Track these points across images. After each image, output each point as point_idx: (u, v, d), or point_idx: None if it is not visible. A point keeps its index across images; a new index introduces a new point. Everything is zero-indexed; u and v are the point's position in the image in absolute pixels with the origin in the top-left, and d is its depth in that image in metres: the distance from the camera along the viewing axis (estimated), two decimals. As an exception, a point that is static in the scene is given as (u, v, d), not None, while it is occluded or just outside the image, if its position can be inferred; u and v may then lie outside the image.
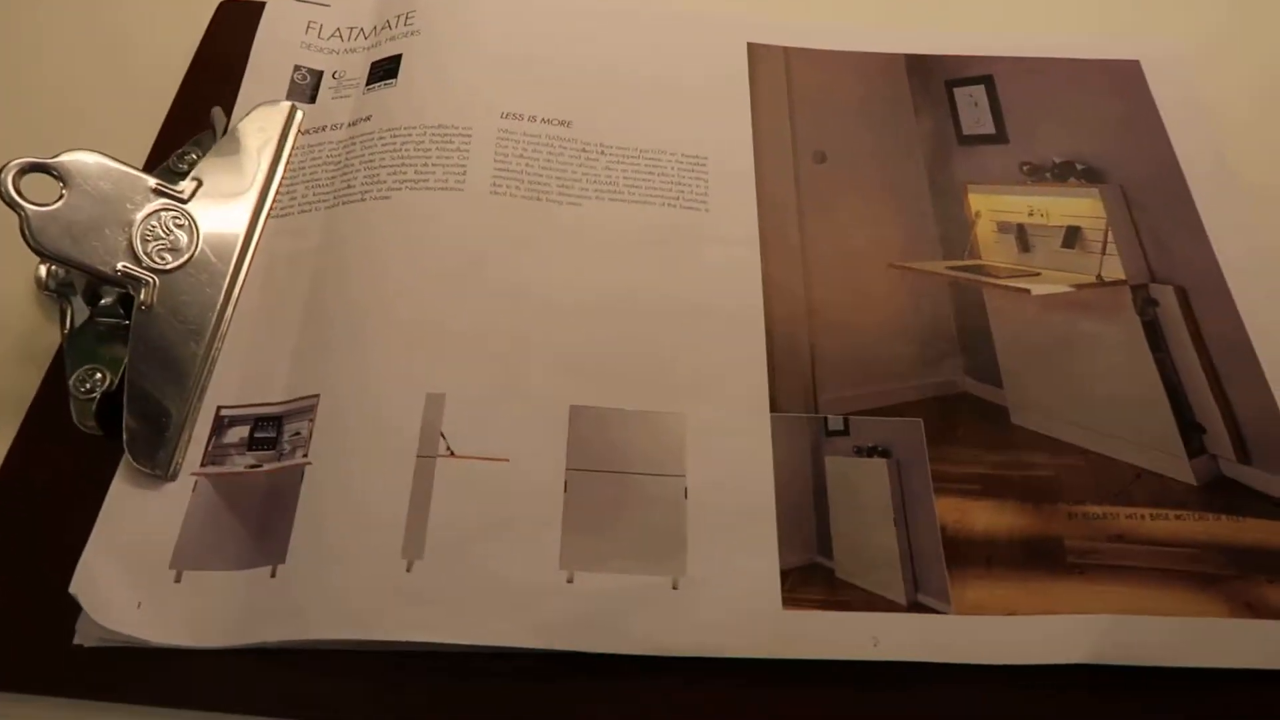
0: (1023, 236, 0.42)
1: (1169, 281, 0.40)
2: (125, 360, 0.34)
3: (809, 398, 0.36)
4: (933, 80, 0.46)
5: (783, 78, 0.46)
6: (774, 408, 0.36)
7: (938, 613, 0.32)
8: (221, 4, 0.48)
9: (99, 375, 0.35)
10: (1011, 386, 0.37)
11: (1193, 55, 0.47)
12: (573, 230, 0.39)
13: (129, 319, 0.35)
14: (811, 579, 0.32)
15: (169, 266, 0.36)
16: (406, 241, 0.38)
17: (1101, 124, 0.45)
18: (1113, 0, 0.52)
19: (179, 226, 0.37)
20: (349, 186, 0.40)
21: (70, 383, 0.35)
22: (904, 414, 0.36)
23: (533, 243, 0.39)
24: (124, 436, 0.33)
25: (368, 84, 0.44)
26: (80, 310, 0.36)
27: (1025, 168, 0.44)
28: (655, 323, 0.37)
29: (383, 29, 0.46)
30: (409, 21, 0.45)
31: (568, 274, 0.38)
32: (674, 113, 0.44)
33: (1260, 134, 0.45)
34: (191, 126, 0.43)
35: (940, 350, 0.38)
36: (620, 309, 0.37)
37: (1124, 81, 0.46)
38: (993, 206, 0.42)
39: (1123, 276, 0.40)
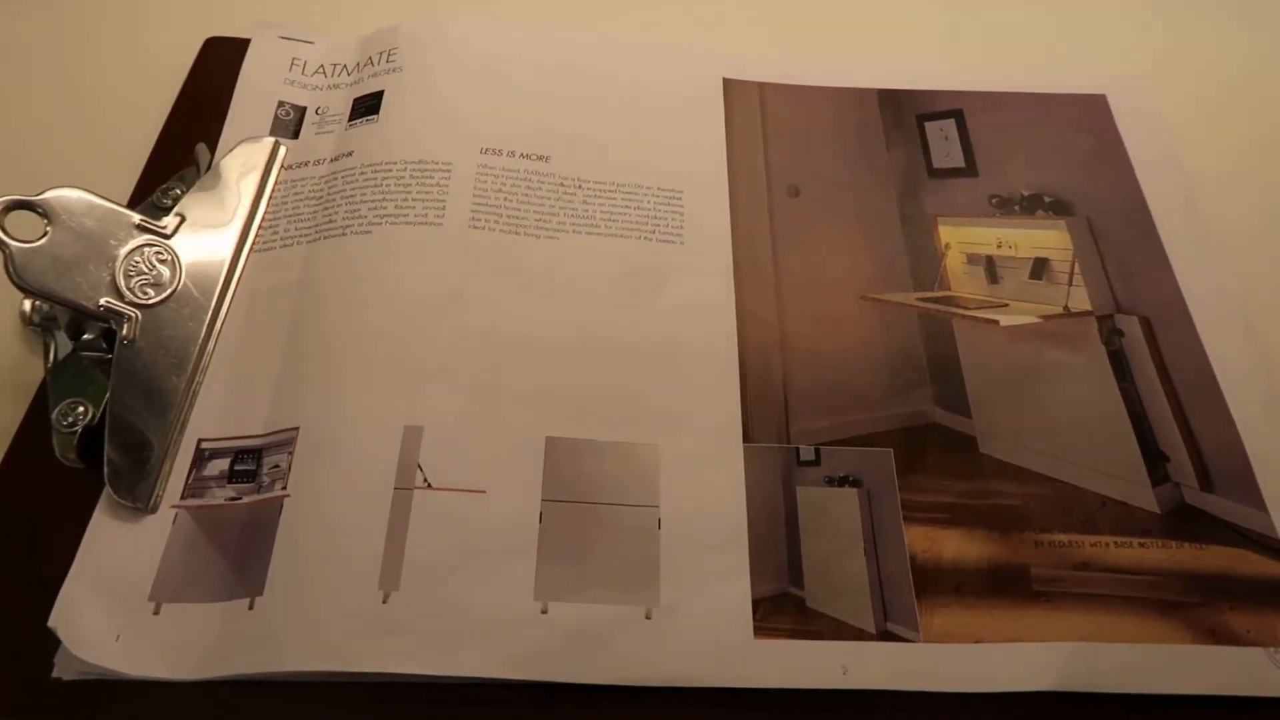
0: (991, 268, 0.43)
1: (1134, 312, 0.41)
2: (107, 394, 0.35)
3: (781, 428, 0.37)
4: (904, 114, 0.47)
5: (757, 113, 0.47)
6: (747, 438, 0.37)
7: (907, 641, 0.33)
8: (207, 40, 0.49)
9: (81, 409, 0.35)
10: (980, 416, 0.38)
11: (1157, 89, 0.49)
12: (550, 263, 0.40)
13: (112, 353, 0.36)
14: (782, 608, 0.33)
15: (151, 301, 0.37)
16: (386, 275, 0.39)
17: (1069, 157, 0.46)
18: (1078, 36, 0.53)
19: (162, 262, 0.38)
20: (330, 221, 0.41)
21: (52, 416, 0.35)
22: (874, 444, 0.37)
23: (510, 276, 0.39)
24: (105, 470, 0.34)
25: (350, 120, 0.45)
26: (64, 344, 0.37)
27: (994, 200, 0.45)
28: (630, 354, 0.38)
29: (365, 66, 0.47)
30: (391, 59, 0.46)
31: (545, 307, 0.39)
32: (651, 147, 0.44)
33: (1223, 167, 0.46)
34: (176, 162, 0.43)
35: (910, 380, 0.39)
36: (596, 341, 0.38)
37: (1090, 115, 0.48)
38: (962, 238, 0.43)
39: (1089, 307, 0.41)
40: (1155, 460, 0.37)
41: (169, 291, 0.37)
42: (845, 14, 0.54)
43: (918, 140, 0.47)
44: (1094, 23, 0.54)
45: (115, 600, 0.32)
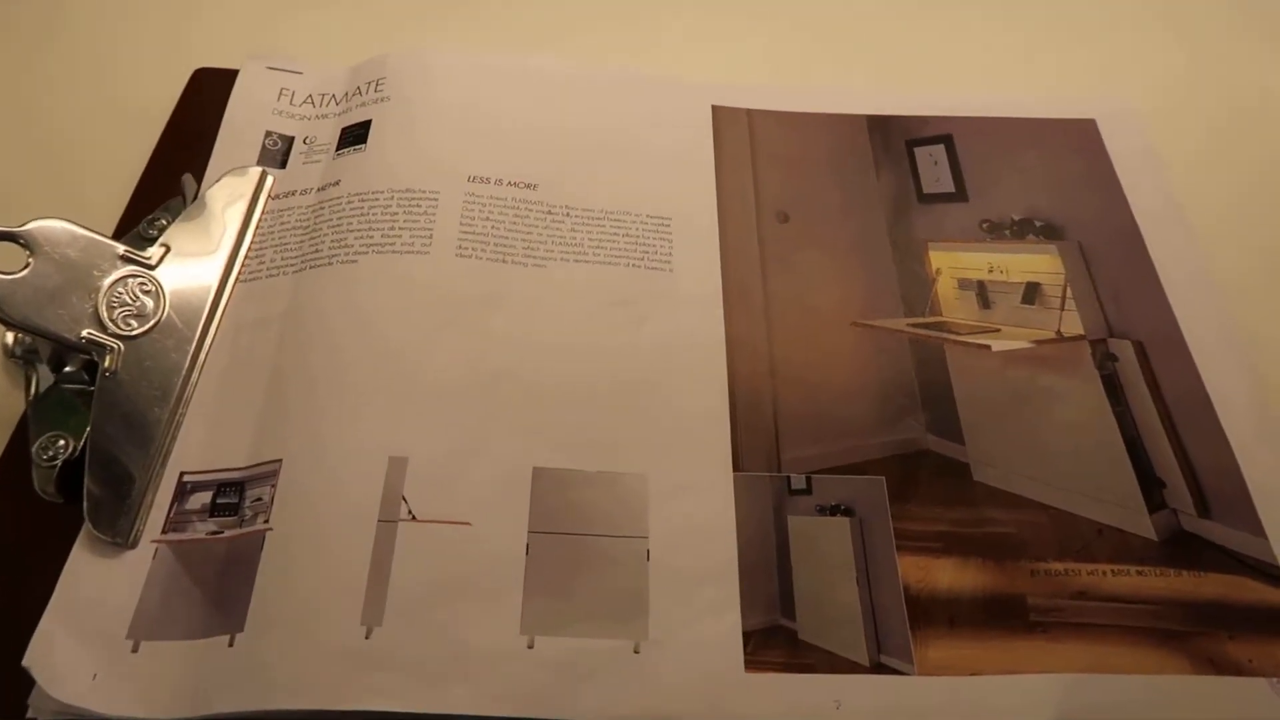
0: (983, 293, 0.42)
1: (1127, 336, 0.41)
2: (88, 427, 0.34)
3: (772, 456, 0.37)
4: (893, 140, 0.47)
5: (746, 139, 0.47)
6: (737, 467, 0.36)
7: (901, 674, 0.32)
8: (196, 71, 0.49)
9: (62, 442, 0.34)
10: (973, 442, 0.37)
11: (1147, 114, 0.49)
12: (538, 292, 0.40)
13: (94, 385, 0.35)
14: (774, 640, 0.32)
15: (135, 333, 0.36)
16: (372, 305, 0.38)
17: (1059, 182, 0.46)
18: (1068, 61, 0.53)
19: (146, 293, 0.37)
20: (316, 251, 0.40)
21: (33, 450, 0.35)
22: (866, 472, 0.36)
23: (497, 304, 0.39)
24: (85, 504, 0.33)
25: (338, 149, 0.45)
26: (45, 377, 0.37)
27: (985, 225, 0.44)
28: (619, 383, 0.38)
29: (353, 95, 0.47)
30: (379, 88, 0.46)
31: (532, 335, 0.38)
32: (639, 174, 0.44)
33: (1213, 190, 0.46)
34: (164, 192, 0.43)
35: (902, 407, 0.38)
36: (584, 370, 0.38)
37: (1080, 140, 0.48)
38: (953, 264, 0.43)
39: (1082, 331, 0.41)
40: (1151, 486, 0.36)
41: (153, 322, 0.37)
42: (834, 40, 0.54)
43: (907, 165, 0.47)
44: (1083, 49, 0.54)
45: (92, 638, 0.31)
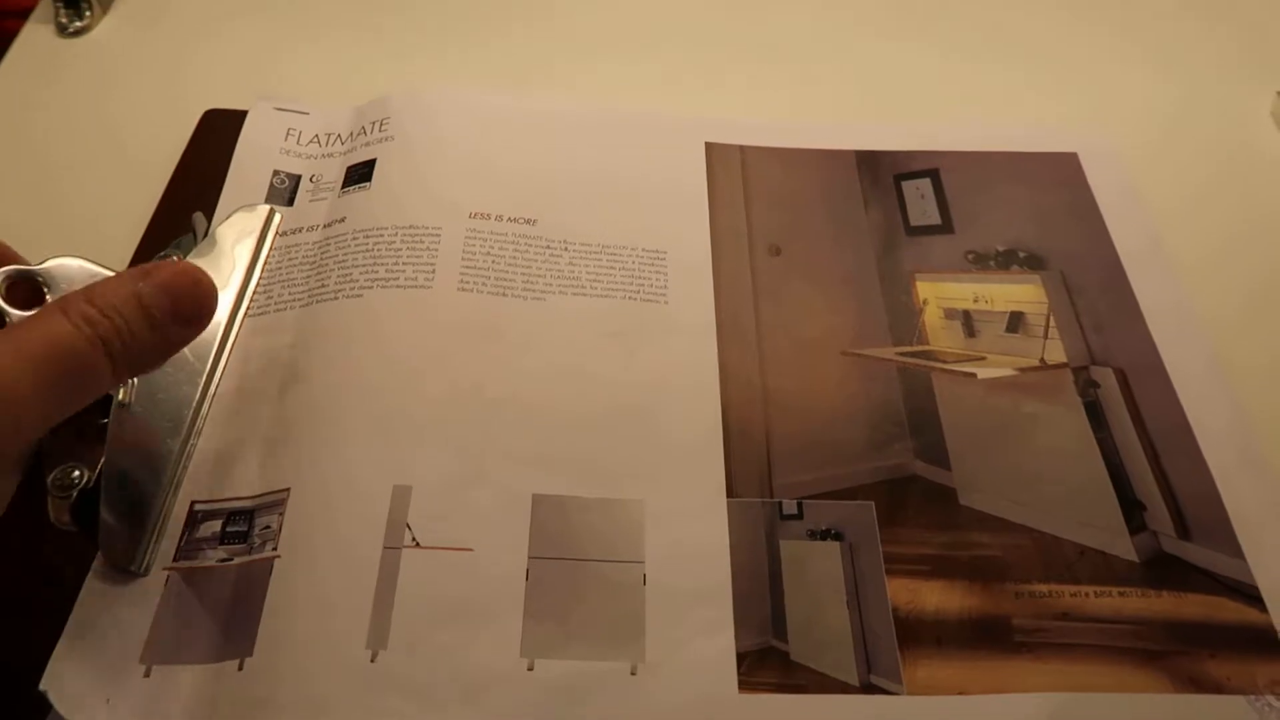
0: (968, 322, 0.44)
1: (1108, 364, 0.42)
2: (103, 458, 0.36)
3: (764, 482, 0.38)
4: (881, 174, 0.49)
5: (739, 175, 0.48)
6: (730, 493, 0.37)
7: (890, 694, 0.33)
8: (207, 112, 0.51)
9: (76, 473, 0.36)
10: (959, 468, 0.39)
11: (1127, 147, 0.50)
12: (537, 324, 0.41)
13: (108, 417, 0.37)
14: (766, 662, 0.33)
15: (148, 366, 0.37)
16: (376, 338, 0.40)
17: (1042, 214, 0.47)
18: (1051, 97, 0.55)
19: (158, 327, 0.38)
20: (323, 286, 0.42)
21: (48, 480, 0.36)
22: (856, 497, 0.37)
23: (498, 337, 0.40)
24: (100, 535, 0.34)
25: (343, 187, 0.46)
26: (61, 409, 0.38)
27: (970, 256, 0.46)
28: (616, 411, 0.39)
29: (358, 135, 0.48)
30: (383, 128, 0.48)
31: (531, 367, 0.40)
32: (635, 210, 0.46)
33: (1190, 221, 0.48)
34: (175, 229, 0.45)
35: (890, 434, 0.40)
36: (582, 399, 0.39)
37: (1063, 173, 0.49)
38: (939, 294, 0.44)
39: (1064, 359, 0.42)
40: (1132, 509, 0.37)
41: (165, 356, 0.38)
42: (823, 77, 0.56)
43: (895, 199, 0.48)
44: (1066, 84, 0.55)
45: (107, 663, 0.32)
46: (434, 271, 0.42)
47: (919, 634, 0.34)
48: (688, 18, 0.60)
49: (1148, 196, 0.48)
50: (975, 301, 0.44)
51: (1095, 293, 0.44)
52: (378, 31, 0.58)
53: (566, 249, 0.44)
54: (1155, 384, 0.41)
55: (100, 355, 0.27)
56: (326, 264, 0.43)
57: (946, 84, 0.56)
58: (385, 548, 0.34)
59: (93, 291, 0.28)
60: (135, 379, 0.37)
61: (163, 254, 0.43)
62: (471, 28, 0.58)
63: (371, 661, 0.32)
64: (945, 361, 0.42)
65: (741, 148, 0.49)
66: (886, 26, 0.59)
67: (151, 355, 0.30)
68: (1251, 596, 0.35)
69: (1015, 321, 0.44)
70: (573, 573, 0.35)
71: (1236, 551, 0.36)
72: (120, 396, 0.36)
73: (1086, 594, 0.35)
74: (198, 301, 0.31)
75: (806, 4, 0.61)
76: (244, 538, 0.35)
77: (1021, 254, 0.46)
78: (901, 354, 0.42)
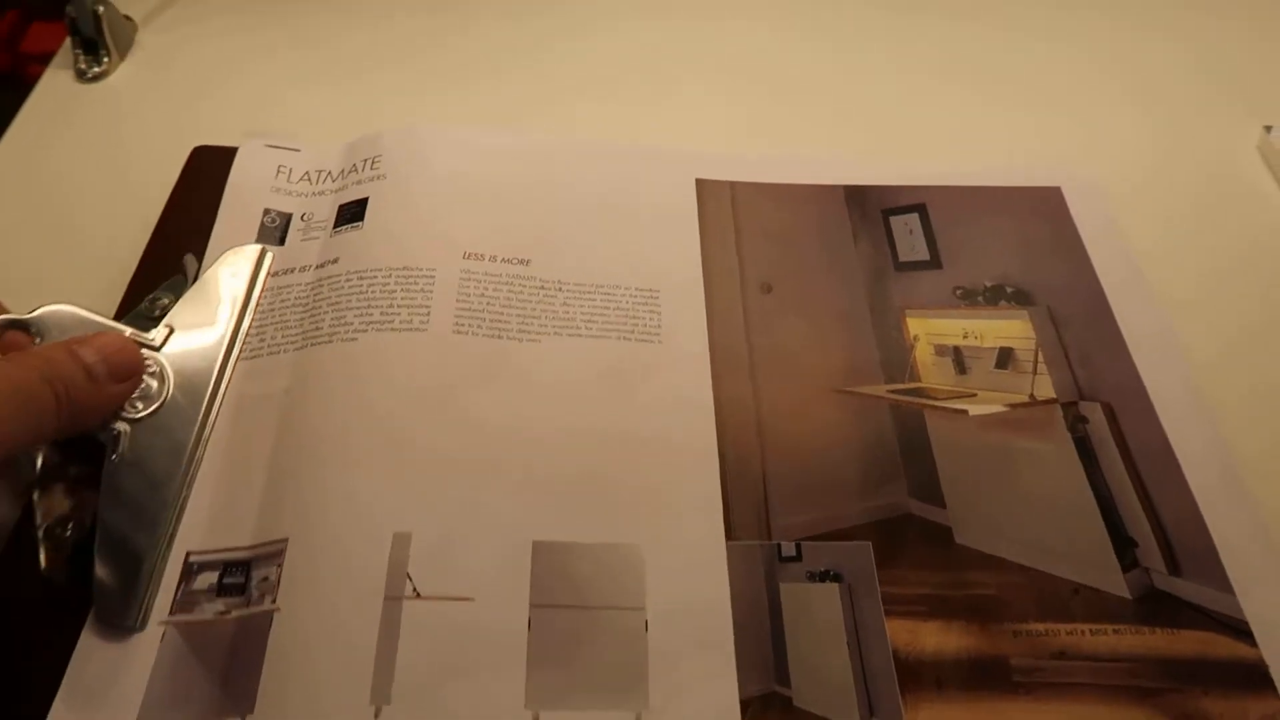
0: (959, 359, 0.44)
1: (1096, 398, 0.42)
2: (96, 510, 0.35)
3: (763, 524, 0.38)
4: (870, 209, 0.49)
5: (729, 211, 0.49)
6: (730, 535, 0.37)
7: (892, 737, 0.33)
8: (195, 150, 0.50)
9: (69, 526, 0.35)
10: (954, 506, 0.39)
11: (1111, 182, 0.51)
12: (533, 366, 0.41)
13: (100, 469, 0.36)
14: (770, 708, 0.34)
15: (141, 415, 0.37)
16: (372, 382, 0.40)
17: (1028, 248, 0.48)
18: (1035, 132, 0.56)
19: (151, 374, 0.38)
20: (317, 328, 0.42)
21: (40, 534, 0.35)
22: (853, 537, 0.38)
23: (494, 380, 0.40)
24: (94, 590, 0.34)
25: (335, 226, 0.46)
26: (52, 460, 0.37)
27: (959, 291, 0.46)
28: (613, 455, 0.39)
29: (350, 173, 0.48)
30: (375, 166, 0.48)
31: (528, 410, 0.40)
32: (627, 248, 0.46)
33: (1175, 254, 0.49)
34: (165, 269, 0.44)
35: (885, 473, 0.40)
36: (579, 443, 0.39)
37: (1047, 207, 0.50)
38: (930, 330, 0.45)
39: (1053, 395, 0.43)
40: (1124, 546, 0.38)
41: (158, 404, 0.38)
42: (811, 113, 0.56)
43: (884, 234, 0.49)
44: (1049, 119, 0.56)
45: (104, 721, 0.32)
46: (429, 314, 0.42)
47: (919, 675, 0.34)
48: (677, 55, 0.60)
49: (1130, 229, 0.49)
50: (965, 338, 0.45)
51: (1081, 325, 0.45)
52: (371, 69, 0.58)
53: (560, 289, 0.44)
54: (1142, 419, 0.42)
55: (49, 394, 0.33)
56: (320, 306, 0.43)
57: (932, 120, 0.56)
58: (386, 598, 0.34)
59: (38, 349, 0.35)
60: (129, 428, 0.37)
61: (152, 296, 0.42)
62: (461, 65, 0.59)
63: (376, 718, 0.32)
64: (937, 399, 0.43)
65: (732, 184, 0.50)
66: (873, 63, 0.60)
67: (91, 403, 0.35)
68: (1241, 631, 0.36)
69: (1005, 357, 0.44)
70: (575, 621, 0.35)
71: (1225, 586, 0.37)
72: (113, 448, 0.36)
73: (1082, 632, 0.36)
74: (126, 359, 0.36)
75: (793, 41, 0.62)
76: (242, 590, 0.35)
77: (1009, 289, 0.46)
78: (894, 391, 0.43)
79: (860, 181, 0.51)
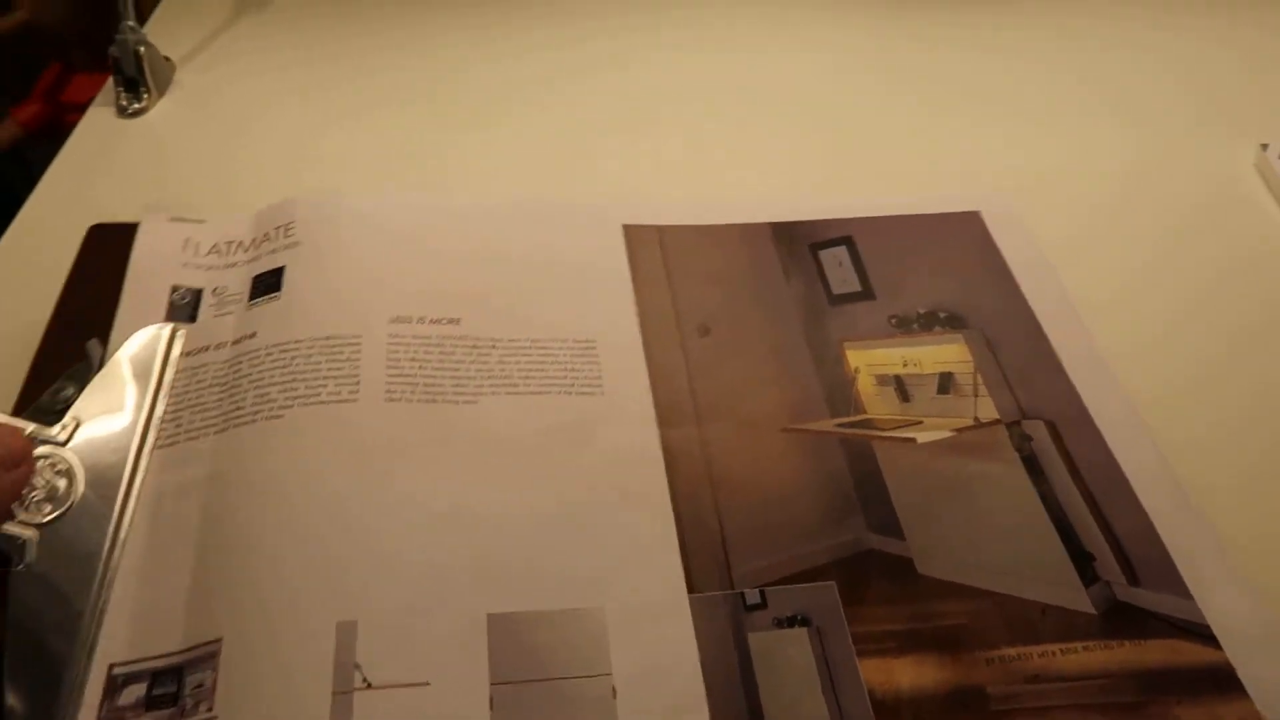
0: (901, 387, 0.44)
1: (1038, 416, 0.43)
2: (3, 627, 0.32)
3: (724, 573, 0.37)
4: (798, 245, 0.50)
5: (660, 257, 0.48)
6: (691, 588, 0.36)
7: (878, 783, 0.32)
8: (92, 228, 0.48)
9: (-28, 647, 0.32)
10: (913, 536, 0.39)
11: (1025, 203, 0.52)
12: (472, 430, 0.39)
13: (7, 581, 0.33)
14: (751, 766, 0.32)
15: (49, 518, 0.34)
16: (303, 461, 0.37)
17: (956, 272, 0.49)
18: (950, 159, 0.57)
19: (58, 473, 0.35)
20: (238, 408, 0.39)
21: (-61, 659, 0.32)
22: (816, 578, 0.37)
23: (433, 448, 0.39)
24: (4, 715, 0.31)
25: (251, 299, 0.44)
26: (-51, 575, 0.34)
27: (894, 320, 0.47)
28: (565, 514, 0.37)
29: (263, 241, 0.46)
30: (289, 233, 0.46)
31: (472, 476, 0.38)
32: (560, 300, 0.45)
33: (1089, 267, 0.50)
34: (67, 356, 0.42)
35: (841, 508, 0.39)
36: (529, 505, 0.37)
37: (969, 231, 0.51)
38: (869, 361, 0.45)
39: (996, 416, 0.43)
40: (1083, 561, 0.38)
41: (67, 505, 0.35)
42: (734, 154, 0.57)
43: (814, 269, 0.49)
44: (964, 146, 0.58)
45: None
46: (358, 383, 0.40)
47: (898, 713, 0.34)
48: (591, 103, 0.60)
49: (1045, 245, 0.50)
50: (905, 366, 0.45)
51: (1016, 347, 0.45)
52: (277, 133, 0.56)
53: (494, 347, 0.43)
54: (1084, 434, 0.42)
55: None
56: (240, 384, 0.40)
57: (852, 154, 0.57)
58: (335, 693, 0.32)
59: None
60: (36, 535, 0.34)
61: (55, 387, 0.40)
62: (366, 121, 0.57)
63: (332, 826, 0.29)
64: (884, 429, 0.42)
65: (659, 228, 0.49)
66: (789, 102, 0.61)
67: None
68: (1205, 636, 0.36)
69: (946, 382, 0.44)
70: (539, 695, 0.33)
71: (1184, 592, 0.37)
72: (19, 558, 0.33)
73: (1053, 653, 0.35)
74: (10, 446, 0.34)
75: (707, 84, 0.62)
76: (174, 700, 0.32)
77: (942, 314, 0.47)
78: (840, 425, 0.42)
79: (785, 218, 0.51)
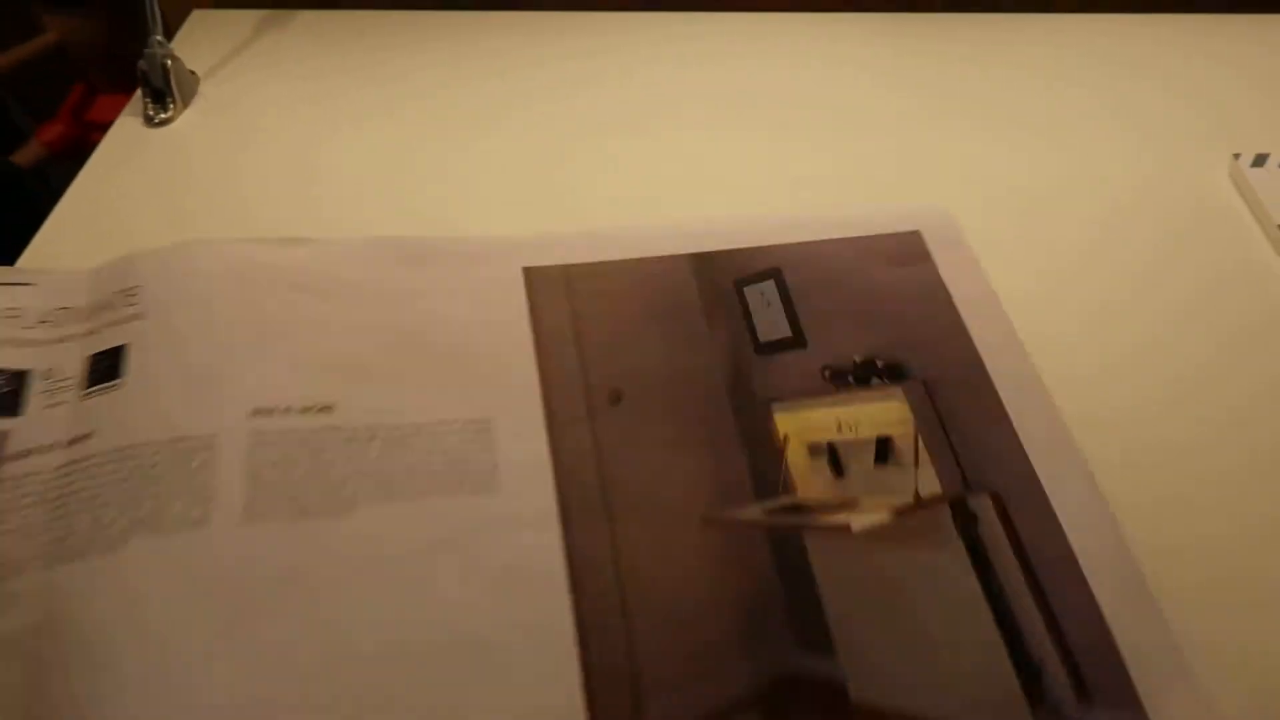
0: (835, 458, 0.40)
1: (984, 487, 0.39)
2: None
3: (635, 716, 0.33)
4: (721, 281, 0.44)
5: (565, 303, 0.43)
6: (598, 734, 0.32)
7: None
8: (-102, 293, 0.41)
9: None
10: (845, 651, 0.35)
11: (968, 222, 0.47)
12: (345, 551, 0.34)
13: None
14: None
15: None
16: (144, 611, 0.32)
17: (895, 309, 0.44)
18: (885, 175, 0.51)
19: None
20: (69, 535, 0.34)
21: None
22: (737, 715, 0.33)
23: (303, 577, 0.34)
24: None
25: (87, 386, 0.38)
26: None
27: (826, 373, 0.42)
28: (456, 653, 0.33)
29: (103, 310, 0.40)
30: (132, 300, 0.39)
31: (344, 612, 0.33)
32: (450, 368, 0.40)
33: (1039, 303, 0.45)
34: None
35: (766, 621, 0.35)
36: (415, 643, 0.33)
37: (909, 254, 0.46)
38: (800, 426, 0.40)
39: (938, 489, 0.39)
40: (1030, 675, 0.35)
41: None
42: (643, 175, 0.51)
43: (739, 310, 0.44)
44: (901, 161, 0.52)
45: None
46: (211, 501, 0.34)
47: None
48: (479, 129, 0.53)
49: (992, 273, 0.45)
50: (839, 430, 0.40)
51: (958, 396, 0.41)
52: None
53: (373, 437, 0.37)
54: (1032, 503, 0.38)
55: None
56: (71, 502, 0.35)
57: (778, 172, 0.51)
58: None
59: None
60: None
61: None
62: (219, 171, 0.51)
63: None
64: (816, 513, 0.38)
65: (565, 268, 0.44)
66: (706, 115, 0.55)
67: None
68: (1159, 758, 0.33)
69: (884, 449, 0.40)
70: None
71: (1139, 712, 0.34)
72: None
73: (996, 790, 0.32)
74: None
75: (613, 95, 0.55)
76: None
77: (880, 363, 0.42)
78: (768, 511, 0.38)
79: (707, 248, 0.45)
